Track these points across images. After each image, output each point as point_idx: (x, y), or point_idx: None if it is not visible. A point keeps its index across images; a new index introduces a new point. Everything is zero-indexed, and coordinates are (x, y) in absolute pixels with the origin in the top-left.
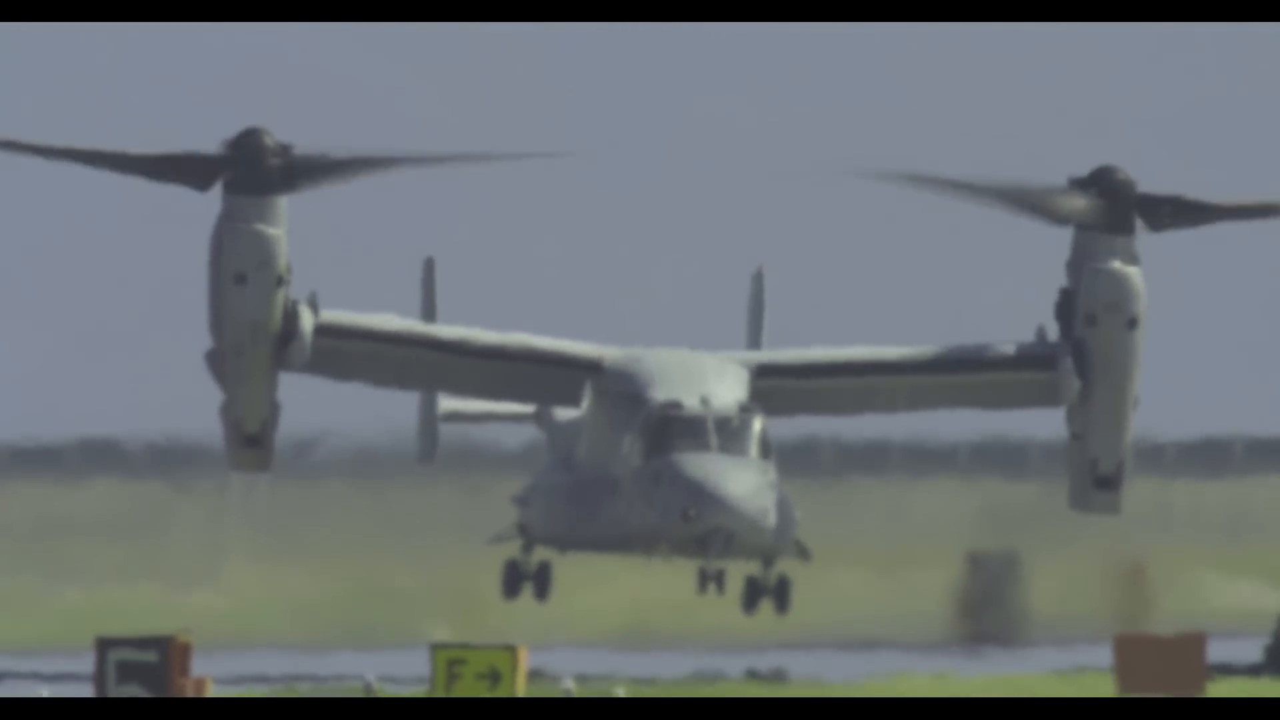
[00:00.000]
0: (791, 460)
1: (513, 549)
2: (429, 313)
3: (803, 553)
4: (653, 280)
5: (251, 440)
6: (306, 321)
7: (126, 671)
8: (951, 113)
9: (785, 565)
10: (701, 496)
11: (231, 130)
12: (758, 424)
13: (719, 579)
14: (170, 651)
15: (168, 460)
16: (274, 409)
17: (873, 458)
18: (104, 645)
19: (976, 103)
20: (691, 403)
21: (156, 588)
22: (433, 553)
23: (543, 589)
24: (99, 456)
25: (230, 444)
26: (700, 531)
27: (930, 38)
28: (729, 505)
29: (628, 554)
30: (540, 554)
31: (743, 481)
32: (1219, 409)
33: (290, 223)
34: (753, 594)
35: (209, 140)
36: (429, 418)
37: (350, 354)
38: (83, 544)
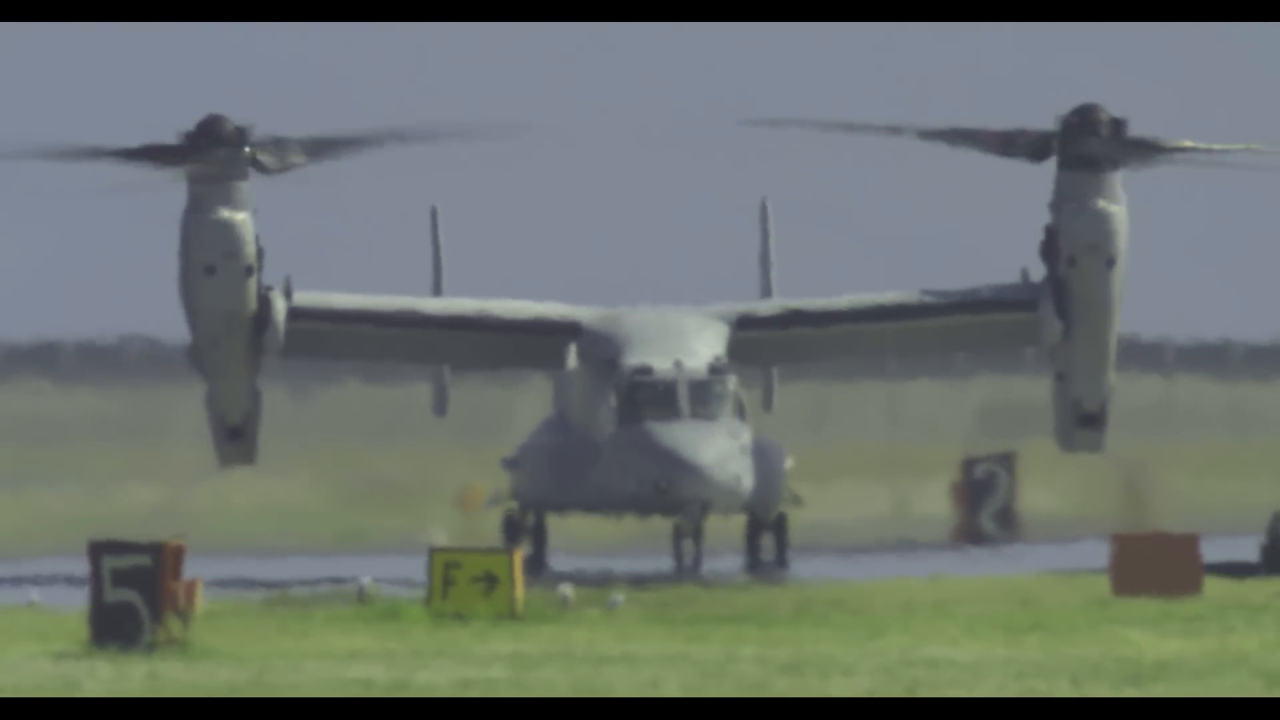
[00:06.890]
0: (786, 365)
1: (511, 507)
2: (437, 263)
3: (796, 500)
4: (646, 235)
5: (235, 433)
6: (279, 307)
7: (121, 577)
8: (946, 60)
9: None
10: (673, 468)
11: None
12: (731, 384)
13: (696, 535)
14: (164, 556)
15: (163, 363)
16: (255, 399)
17: (868, 359)
18: (97, 550)
19: (968, 49)
20: (664, 367)
21: (149, 491)
22: (434, 456)
23: (540, 544)
24: (94, 359)
25: (216, 438)
26: (673, 503)
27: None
28: (701, 476)
29: (616, 517)
30: (533, 515)
31: (715, 449)
32: (1216, 315)
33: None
34: (752, 531)
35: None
36: (440, 373)
37: (327, 336)
38: (75, 447)
